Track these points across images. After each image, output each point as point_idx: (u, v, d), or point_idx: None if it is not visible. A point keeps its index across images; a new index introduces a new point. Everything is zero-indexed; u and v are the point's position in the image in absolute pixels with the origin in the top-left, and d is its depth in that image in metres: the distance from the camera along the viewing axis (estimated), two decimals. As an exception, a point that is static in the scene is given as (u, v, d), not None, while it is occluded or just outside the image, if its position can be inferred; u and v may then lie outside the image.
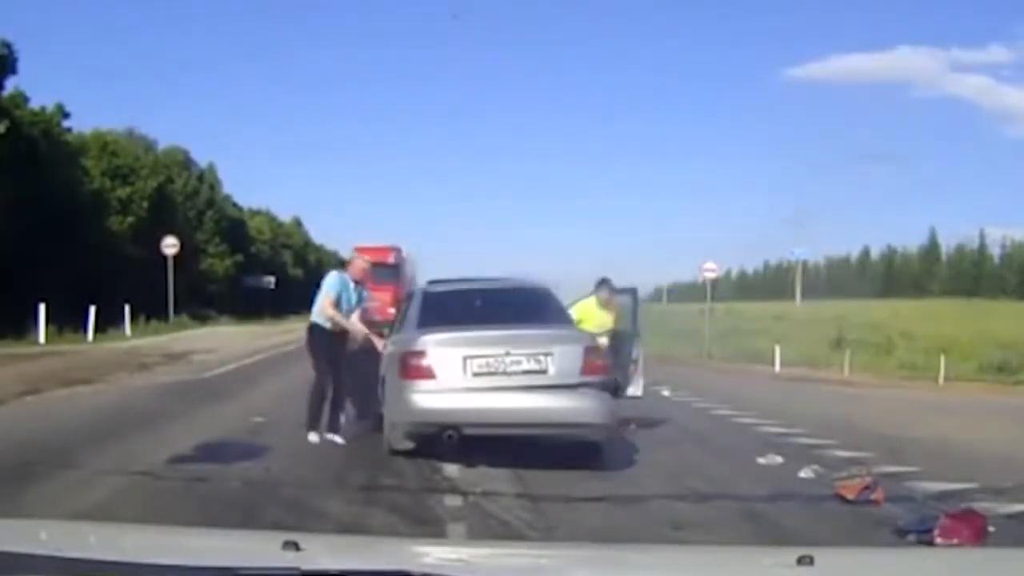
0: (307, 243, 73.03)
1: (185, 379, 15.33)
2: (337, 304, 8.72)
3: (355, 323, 8.90)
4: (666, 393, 14.61)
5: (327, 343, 8.77)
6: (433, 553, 2.55)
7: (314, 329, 8.86)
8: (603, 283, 10.31)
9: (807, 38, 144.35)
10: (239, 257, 53.11)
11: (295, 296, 43.73)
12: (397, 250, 33.80)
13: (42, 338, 22.86)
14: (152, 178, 40.77)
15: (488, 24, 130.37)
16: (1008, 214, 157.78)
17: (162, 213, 38.87)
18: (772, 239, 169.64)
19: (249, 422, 9.89)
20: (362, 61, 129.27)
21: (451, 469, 7.42)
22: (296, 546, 2.08)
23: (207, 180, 52.17)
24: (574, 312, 9.72)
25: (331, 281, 8.86)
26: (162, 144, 49.56)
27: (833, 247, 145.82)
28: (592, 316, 10.01)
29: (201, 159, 52.89)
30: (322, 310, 8.75)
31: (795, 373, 25.62)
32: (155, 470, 7.18)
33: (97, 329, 25.37)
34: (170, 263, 30.48)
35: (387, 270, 31.87)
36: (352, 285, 8.93)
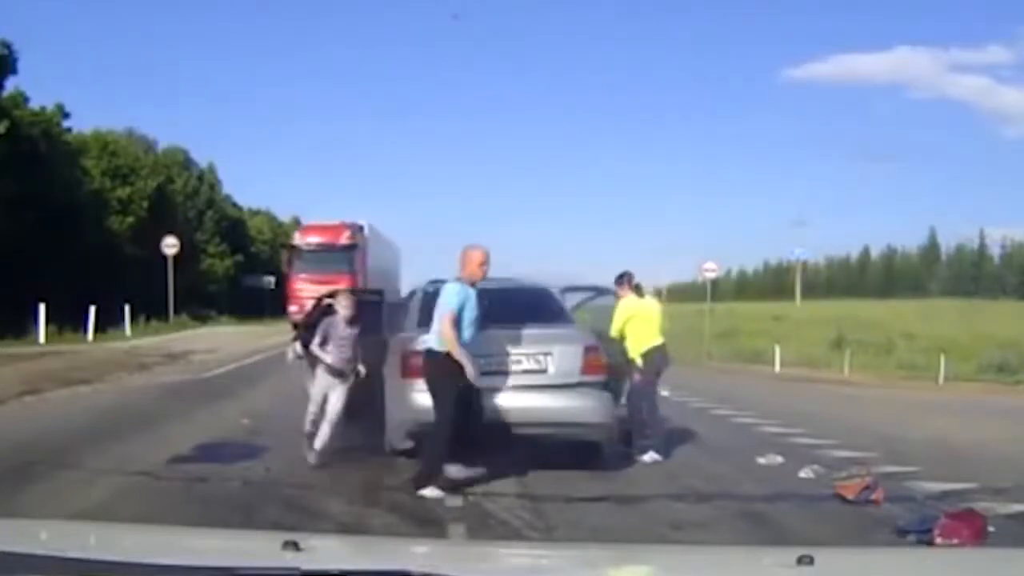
0: (307, 243, 73.05)
1: (185, 379, 15.35)
2: (458, 323, 6.80)
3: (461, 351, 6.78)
4: (665, 393, 14.45)
5: (448, 372, 6.76)
6: (433, 553, 2.56)
7: (427, 355, 6.93)
8: (621, 277, 8.98)
9: (807, 38, 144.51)
10: (239, 257, 53.23)
11: (295, 296, 43.56)
12: (355, 228, 26.62)
13: (42, 338, 22.87)
14: (152, 178, 40.86)
15: (489, 24, 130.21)
16: (1008, 214, 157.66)
17: (162, 213, 38.93)
18: (772, 239, 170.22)
19: (241, 424, 9.88)
20: (362, 61, 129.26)
21: (451, 469, 7.40)
22: (296, 546, 2.08)
23: (207, 180, 52.27)
24: (617, 324, 8.74)
25: (452, 291, 6.91)
26: (162, 144, 49.82)
27: (833, 247, 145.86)
28: (637, 319, 8.76)
29: (201, 159, 53.05)
30: (440, 330, 6.79)
31: (795, 373, 25.64)
32: (155, 470, 7.19)
33: (97, 329, 25.38)
34: (170, 263, 30.45)
35: (339, 254, 25.62)
36: (475, 295, 6.97)
